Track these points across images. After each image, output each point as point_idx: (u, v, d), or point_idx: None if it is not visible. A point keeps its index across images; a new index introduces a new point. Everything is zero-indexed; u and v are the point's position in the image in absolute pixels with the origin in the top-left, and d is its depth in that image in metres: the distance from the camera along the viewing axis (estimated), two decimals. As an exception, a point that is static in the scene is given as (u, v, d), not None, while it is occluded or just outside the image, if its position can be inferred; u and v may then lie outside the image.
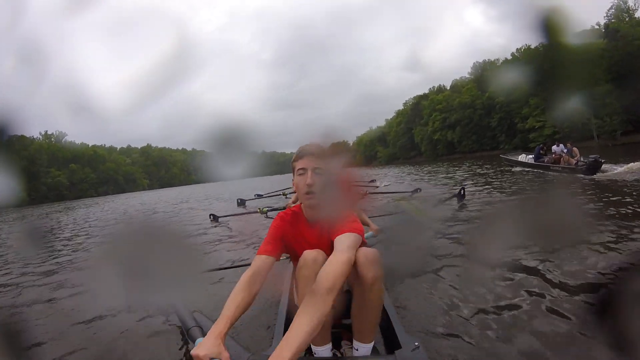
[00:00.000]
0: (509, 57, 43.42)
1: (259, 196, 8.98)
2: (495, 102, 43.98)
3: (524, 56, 38.87)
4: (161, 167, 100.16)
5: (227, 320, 1.07)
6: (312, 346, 1.25)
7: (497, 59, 48.63)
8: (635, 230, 2.97)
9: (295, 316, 0.97)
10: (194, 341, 1.26)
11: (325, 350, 1.25)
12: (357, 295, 1.18)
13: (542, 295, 1.92)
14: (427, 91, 64.91)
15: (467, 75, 55.75)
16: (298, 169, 1.26)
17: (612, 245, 2.59)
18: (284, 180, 12.95)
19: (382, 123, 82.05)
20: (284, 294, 1.71)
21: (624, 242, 2.67)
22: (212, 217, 6.03)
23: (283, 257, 1.54)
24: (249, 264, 1.26)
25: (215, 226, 5.60)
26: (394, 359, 1.12)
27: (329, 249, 1.17)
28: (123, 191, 75.70)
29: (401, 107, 73.26)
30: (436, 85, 63.78)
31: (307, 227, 1.34)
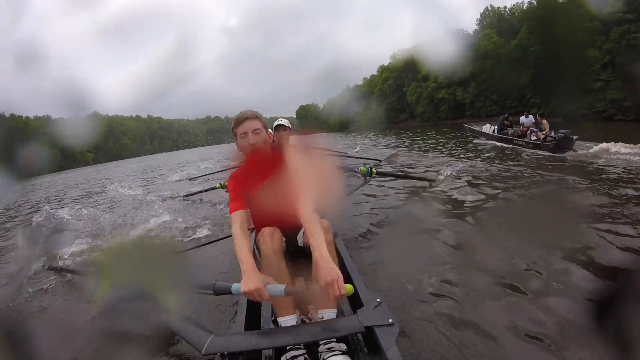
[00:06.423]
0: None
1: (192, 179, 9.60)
2: (529, 52, 33.94)
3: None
4: (109, 138, 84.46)
5: (250, 262, 1.32)
6: (278, 318, 1.41)
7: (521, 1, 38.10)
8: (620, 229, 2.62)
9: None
10: (228, 291, 1.34)
11: (290, 319, 1.40)
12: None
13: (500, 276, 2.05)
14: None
15: (475, 27, 43.95)
16: (240, 134, 1.51)
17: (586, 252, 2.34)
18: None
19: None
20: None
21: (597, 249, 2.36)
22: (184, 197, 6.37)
23: None
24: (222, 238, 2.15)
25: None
26: (355, 317, 1.18)
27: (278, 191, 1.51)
28: (61, 169, 61.79)
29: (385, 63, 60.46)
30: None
31: (256, 177, 1.59)
